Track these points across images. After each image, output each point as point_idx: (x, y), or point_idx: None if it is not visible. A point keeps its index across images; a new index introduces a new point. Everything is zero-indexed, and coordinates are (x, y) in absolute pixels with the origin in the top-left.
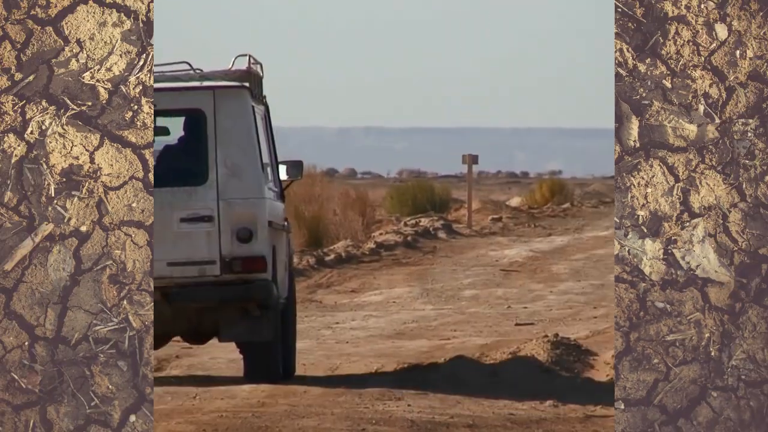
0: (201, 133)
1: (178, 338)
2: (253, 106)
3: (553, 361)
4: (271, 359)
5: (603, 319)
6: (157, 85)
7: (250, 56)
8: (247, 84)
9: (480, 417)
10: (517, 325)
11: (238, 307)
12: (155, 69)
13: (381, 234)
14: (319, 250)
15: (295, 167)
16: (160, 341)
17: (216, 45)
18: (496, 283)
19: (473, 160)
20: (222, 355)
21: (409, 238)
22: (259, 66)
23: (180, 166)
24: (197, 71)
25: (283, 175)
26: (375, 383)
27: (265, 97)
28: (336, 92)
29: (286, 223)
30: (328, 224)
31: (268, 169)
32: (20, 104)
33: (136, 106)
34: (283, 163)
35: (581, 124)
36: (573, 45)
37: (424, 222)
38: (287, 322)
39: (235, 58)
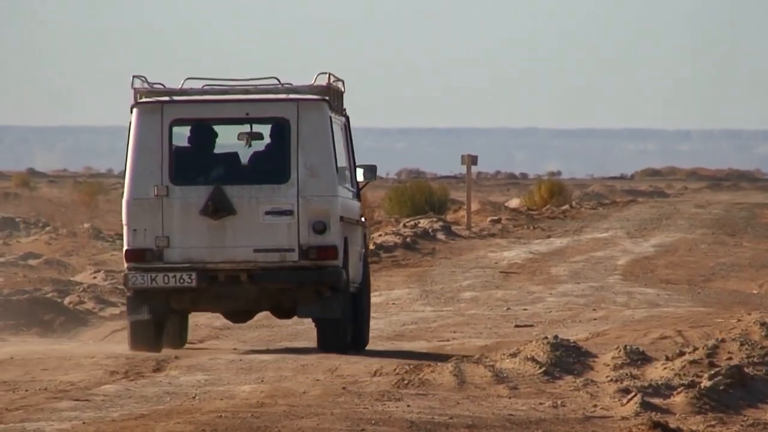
0: (285, 138)
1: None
2: (331, 117)
3: (552, 362)
4: (340, 333)
5: (602, 320)
6: (250, 96)
7: (330, 74)
8: (326, 97)
9: (479, 418)
10: (516, 326)
11: (313, 288)
12: (249, 82)
13: (380, 235)
14: None
15: (370, 171)
16: (246, 316)
17: (223, 45)
18: (496, 285)
19: (473, 160)
20: (222, 356)
21: (408, 240)
22: (341, 83)
23: (266, 167)
24: (285, 85)
25: (360, 177)
26: (374, 384)
27: (345, 109)
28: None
29: (362, 219)
30: None
31: (346, 172)
32: None
33: None
34: (360, 166)
35: (580, 124)
36: (572, 45)
37: (423, 223)
38: (362, 304)
39: (318, 75)
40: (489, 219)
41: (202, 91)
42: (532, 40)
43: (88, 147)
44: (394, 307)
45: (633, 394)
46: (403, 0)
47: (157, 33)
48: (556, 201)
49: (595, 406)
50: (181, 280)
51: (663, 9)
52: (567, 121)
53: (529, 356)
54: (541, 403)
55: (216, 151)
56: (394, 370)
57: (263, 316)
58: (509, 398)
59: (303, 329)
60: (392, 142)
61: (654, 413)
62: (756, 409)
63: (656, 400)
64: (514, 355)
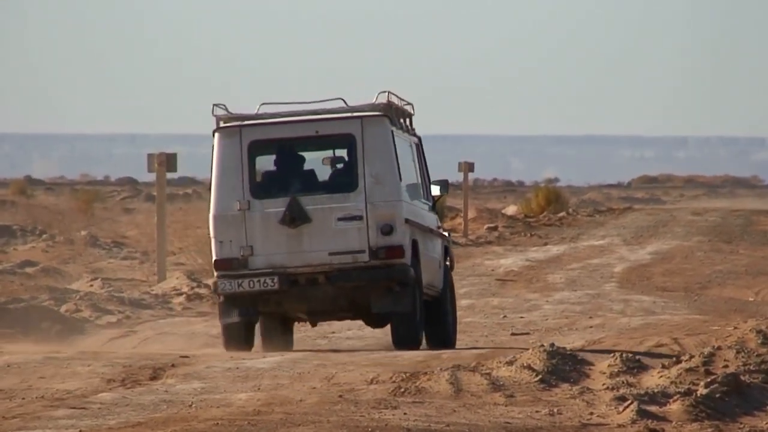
0: (352, 151)
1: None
2: (392, 131)
3: (548, 370)
4: (411, 327)
5: (599, 328)
6: (320, 116)
7: (389, 92)
8: (387, 113)
9: (476, 425)
10: (513, 334)
11: (384, 285)
12: (318, 105)
13: None
14: None
15: (443, 185)
16: (327, 316)
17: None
18: (492, 293)
19: (469, 167)
20: (218, 364)
21: None
22: (410, 106)
23: (337, 178)
24: (349, 106)
25: (435, 191)
26: (371, 392)
27: (414, 129)
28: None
29: (441, 231)
30: None
31: (419, 187)
32: None
33: None
34: (434, 182)
35: (577, 131)
36: (569, 53)
37: None
38: (445, 307)
39: (378, 93)
40: (486, 226)
41: (276, 114)
42: (530, 46)
43: (85, 154)
44: None
45: (629, 401)
46: (400, 6)
47: (155, 33)
48: (552, 208)
49: (592, 413)
50: (265, 284)
51: (660, 17)
52: (564, 129)
53: (525, 364)
54: (537, 411)
55: (293, 164)
56: (391, 378)
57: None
58: (505, 406)
59: (300, 338)
60: None
61: (650, 421)
62: (752, 416)
63: (652, 408)
64: (510, 363)
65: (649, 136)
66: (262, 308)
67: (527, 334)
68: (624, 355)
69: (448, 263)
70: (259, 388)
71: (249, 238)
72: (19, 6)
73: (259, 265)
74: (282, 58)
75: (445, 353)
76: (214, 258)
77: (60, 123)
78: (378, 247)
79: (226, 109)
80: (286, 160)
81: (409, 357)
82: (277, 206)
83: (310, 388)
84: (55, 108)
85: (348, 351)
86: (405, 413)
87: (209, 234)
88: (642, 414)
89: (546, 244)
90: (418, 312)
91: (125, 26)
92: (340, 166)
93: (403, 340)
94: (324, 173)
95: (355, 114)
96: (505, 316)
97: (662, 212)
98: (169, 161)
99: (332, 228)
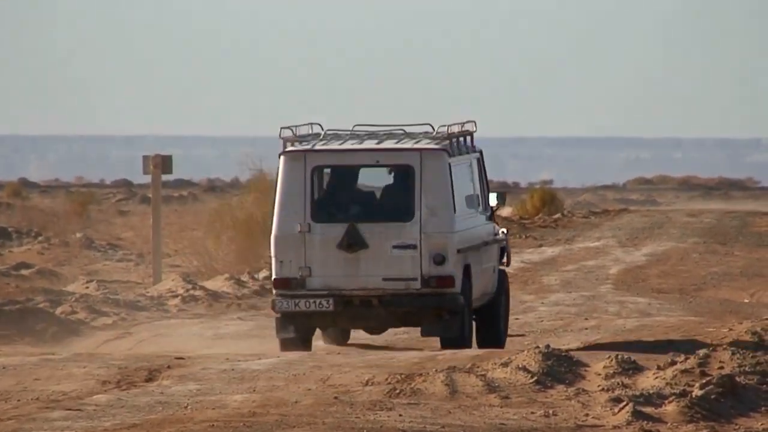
0: (410, 182)
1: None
2: (449, 163)
3: (544, 372)
4: (460, 347)
5: (594, 330)
6: (380, 146)
7: (449, 126)
8: (446, 146)
9: (471, 427)
10: (508, 336)
11: (434, 312)
12: (379, 129)
13: None
14: None
15: (501, 197)
16: (378, 331)
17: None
18: None
19: None
20: (214, 366)
21: None
22: (472, 123)
23: (394, 207)
24: (408, 133)
25: (492, 201)
26: (366, 394)
27: (474, 146)
28: (325, 99)
29: (499, 234)
30: None
31: (478, 198)
32: None
33: None
34: (492, 192)
35: (573, 132)
36: (564, 53)
37: None
38: (497, 309)
39: (439, 127)
40: None
41: (340, 136)
42: (523, 47)
43: (80, 157)
44: None
45: (624, 403)
46: (392, 10)
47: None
48: (548, 210)
49: (587, 415)
50: (320, 305)
51: (654, 17)
52: (559, 130)
53: (520, 366)
54: (532, 413)
55: (353, 190)
56: (386, 379)
57: None
58: (501, 408)
59: None
60: None
61: (645, 422)
62: (747, 417)
63: (648, 409)
64: (505, 364)
65: (644, 138)
66: (317, 325)
67: (522, 335)
68: (619, 356)
69: (504, 261)
70: (254, 390)
71: (308, 260)
72: (14, 7)
73: (316, 285)
74: (284, 55)
75: (440, 354)
76: (273, 276)
77: (55, 125)
78: (430, 276)
79: (293, 132)
80: (346, 186)
81: (404, 359)
82: (336, 231)
83: (305, 390)
84: (50, 110)
85: (343, 352)
86: (400, 415)
87: (270, 254)
88: (637, 415)
89: (541, 245)
90: (467, 332)
91: (119, 28)
92: (395, 178)
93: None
94: (383, 201)
95: (416, 147)
96: None
97: (657, 214)
98: (164, 163)
99: (387, 255)
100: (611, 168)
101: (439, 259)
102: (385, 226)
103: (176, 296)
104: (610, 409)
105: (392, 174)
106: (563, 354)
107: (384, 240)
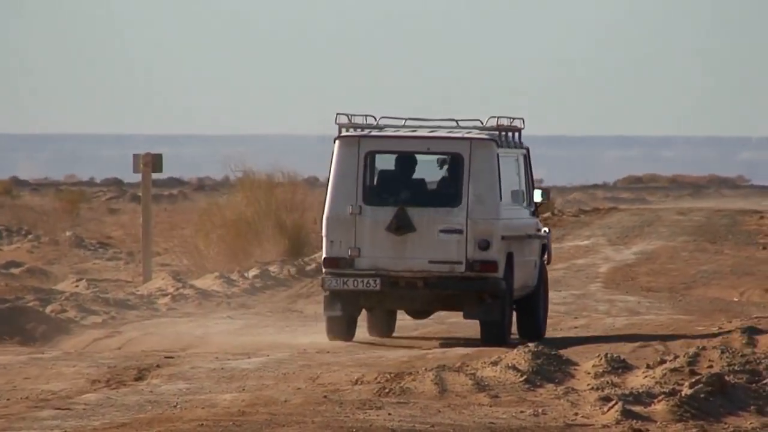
0: (459, 170)
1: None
2: (498, 153)
3: (533, 371)
4: (499, 332)
5: (583, 329)
6: (431, 134)
7: (498, 118)
8: (495, 136)
9: (460, 426)
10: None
11: (477, 295)
12: (432, 122)
13: None
14: (300, 260)
15: (545, 193)
16: (423, 315)
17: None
18: None
19: None
20: (203, 365)
21: None
22: (520, 120)
23: (442, 193)
24: (460, 125)
25: (537, 197)
26: (355, 393)
27: (521, 143)
28: (318, 100)
29: (542, 232)
30: (309, 233)
31: (523, 194)
32: None
33: None
34: (537, 188)
35: (562, 131)
36: (554, 53)
37: None
38: (536, 301)
39: (488, 118)
40: None
41: (394, 126)
42: (515, 47)
43: (70, 155)
44: None
45: (614, 402)
46: (388, 12)
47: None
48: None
49: (576, 414)
50: (368, 284)
51: (644, 17)
52: (549, 129)
53: (510, 364)
54: (522, 412)
55: (403, 176)
56: (375, 378)
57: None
58: (490, 406)
59: (284, 338)
60: None
61: (635, 421)
62: (736, 416)
63: (637, 408)
64: (495, 363)
65: (634, 136)
66: (364, 304)
67: (512, 334)
68: (608, 355)
69: (545, 258)
70: (243, 389)
71: (357, 241)
72: (4, 6)
73: (364, 266)
74: (282, 56)
75: (430, 353)
76: (324, 256)
77: (45, 124)
78: (474, 260)
79: (349, 118)
80: (398, 171)
81: (394, 357)
82: (385, 214)
83: (294, 389)
84: (40, 109)
85: (332, 351)
86: (390, 414)
87: (321, 233)
88: (626, 414)
89: None
90: (507, 318)
91: (112, 27)
92: (446, 167)
93: (491, 341)
94: (431, 185)
95: (466, 135)
96: None
97: (647, 212)
98: (154, 162)
99: (434, 238)
100: (601, 167)
101: (484, 245)
102: (433, 211)
103: (166, 295)
104: (600, 408)
105: (441, 166)
106: (553, 353)
107: (431, 224)
